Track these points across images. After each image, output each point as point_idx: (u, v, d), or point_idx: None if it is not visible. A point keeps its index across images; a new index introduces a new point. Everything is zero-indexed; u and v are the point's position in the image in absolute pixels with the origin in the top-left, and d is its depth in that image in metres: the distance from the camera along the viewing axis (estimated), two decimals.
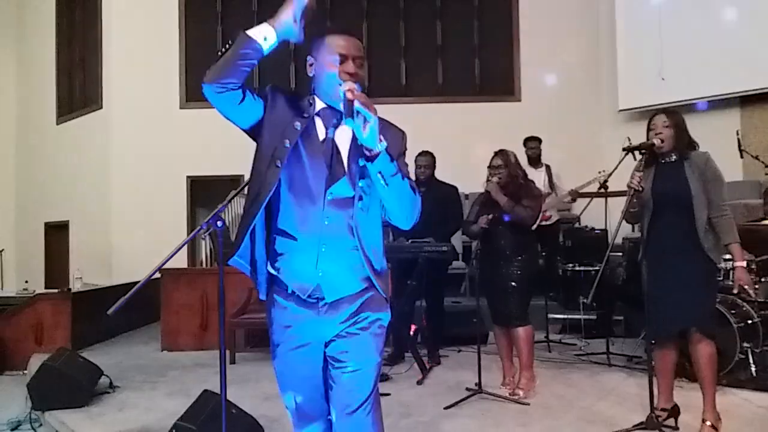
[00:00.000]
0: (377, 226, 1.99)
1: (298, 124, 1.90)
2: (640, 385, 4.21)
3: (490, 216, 4.24)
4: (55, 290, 6.77)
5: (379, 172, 1.80)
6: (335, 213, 1.89)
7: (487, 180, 4.34)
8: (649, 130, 3.46)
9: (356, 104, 1.74)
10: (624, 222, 3.51)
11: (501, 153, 4.37)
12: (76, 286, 7.13)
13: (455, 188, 5.42)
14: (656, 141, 3.39)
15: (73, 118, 10.06)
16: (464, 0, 9.26)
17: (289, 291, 1.94)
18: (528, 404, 4.06)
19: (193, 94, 9.19)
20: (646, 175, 3.43)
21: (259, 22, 1.84)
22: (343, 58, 1.89)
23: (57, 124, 10.37)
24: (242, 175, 8.50)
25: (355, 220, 1.90)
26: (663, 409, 3.49)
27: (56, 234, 10.24)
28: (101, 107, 9.45)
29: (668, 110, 3.54)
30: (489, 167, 4.37)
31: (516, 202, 4.22)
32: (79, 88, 10.18)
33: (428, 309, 5.39)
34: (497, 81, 9.18)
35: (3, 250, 10.54)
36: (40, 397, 4.28)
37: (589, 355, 5.39)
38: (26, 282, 8.76)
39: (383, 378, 4.60)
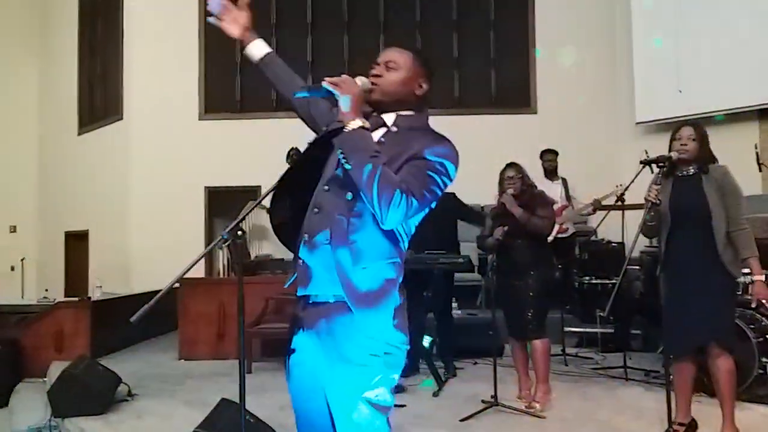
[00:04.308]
0: (373, 228, 1.82)
1: None
2: (658, 400, 4.17)
3: (506, 228, 4.25)
4: (76, 298, 6.84)
5: (340, 146, 1.81)
6: (326, 202, 1.88)
7: (501, 192, 4.36)
8: (673, 140, 3.44)
9: (323, 83, 1.85)
10: (641, 235, 3.49)
11: (513, 164, 4.40)
12: (95, 294, 7.21)
13: (451, 194, 5.29)
14: (674, 154, 3.38)
15: (94, 129, 10.23)
16: (480, 12, 9.33)
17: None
18: (544, 417, 4.05)
19: (211, 106, 9.33)
20: (663, 188, 3.41)
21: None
22: (373, 65, 2.00)
23: (78, 134, 10.57)
24: (259, 186, 8.58)
25: (339, 213, 1.84)
26: (681, 424, 3.47)
27: (76, 243, 10.38)
28: (122, 118, 9.61)
29: (695, 123, 3.52)
30: (503, 179, 4.38)
31: (530, 212, 4.23)
32: (100, 99, 10.37)
33: (438, 321, 5.39)
34: (513, 93, 9.21)
35: (24, 258, 10.69)
36: (60, 404, 4.33)
37: (606, 369, 5.36)
38: (46, 290, 8.89)
39: (399, 389, 4.61)
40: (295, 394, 1.96)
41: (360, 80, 1.90)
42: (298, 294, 1.92)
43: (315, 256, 1.86)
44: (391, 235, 1.85)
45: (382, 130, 1.92)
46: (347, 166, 1.77)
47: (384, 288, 1.82)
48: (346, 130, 1.80)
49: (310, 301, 1.89)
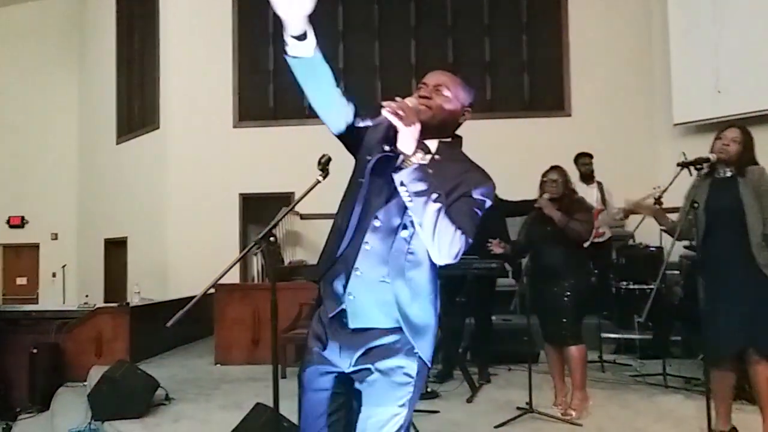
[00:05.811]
0: (426, 264, 1.88)
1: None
2: (698, 408, 4.06)
3: (502, 243, 4.28)
4: (115, 304, 6.97)
5: (402, 184, 1.74)
6: (379, 238, 1.86)
7: (540, 195, 4.31)
8: (717, 139, 3.41)
9: (383, 111, 1.75)
10: (672, 237, 3.44)
11: (557, 168, 4.35)
12: (134, 300, 7.34)
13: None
14: (712, 156, 3.34)
15: (132, 138, 10.46)
16: (512, 15, 9.26)
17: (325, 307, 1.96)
18: (581, 425, 3.97)
19: (245, 114, 9.45)
20: (700, 189, 3.37)
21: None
22: (421, 86, 1.95)
23: (117, 144, 10.81)
24: (293, 193, 8.65)
25: (395, 250, 1.85)
26: None
27: (115, 250, 10.60)
28: (158, 127, 9.81)
29: (742, 126, 3.47)
30: (544, 182, 4.32)
31: (569, 217, 4.17)
32: (137, 109, 10.60)
33: (476, 327, 5.35)
34: (547, 96, 9.11)
35: (65, 265, 10.95)
36: (99, 408, 4.43)
37: (644, 376, 5.23)
38: (87, 296, 9.07)
39: (432, 395, 4.59)
40: (312, 407, 1.95)
41: (410, 102, 1.81)
42: (351, 327, 1.88)
43: (368, 291, 1.85)
44: (435, 270, 1.91)
45: (427, 158, 1.84)
46: (409, 204, 1.76)
47: (434, 319, 1.91)
48: (410, 167, 1.75)
49: (354, 329, 1.89)
